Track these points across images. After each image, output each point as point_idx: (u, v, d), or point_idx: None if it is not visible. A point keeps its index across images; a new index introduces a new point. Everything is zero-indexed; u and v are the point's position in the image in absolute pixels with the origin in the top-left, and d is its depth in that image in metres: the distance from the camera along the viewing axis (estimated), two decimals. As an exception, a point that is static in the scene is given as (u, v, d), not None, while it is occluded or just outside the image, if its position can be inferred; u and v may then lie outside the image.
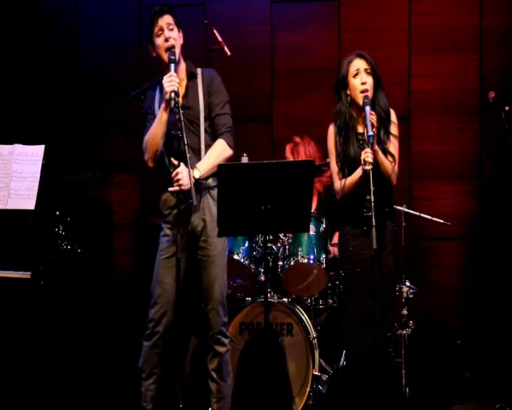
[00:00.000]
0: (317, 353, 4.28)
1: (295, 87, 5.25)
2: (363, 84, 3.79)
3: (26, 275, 3.73)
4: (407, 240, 4.62)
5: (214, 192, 3.75)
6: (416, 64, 5.12)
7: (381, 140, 3.82)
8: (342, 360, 4.15)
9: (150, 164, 3.77)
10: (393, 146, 3.87)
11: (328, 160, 4.43)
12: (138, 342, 3.84)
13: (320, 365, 4.31)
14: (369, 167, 3.62)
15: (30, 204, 3.90)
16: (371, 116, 3.69)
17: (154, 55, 3.77)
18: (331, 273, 4.39)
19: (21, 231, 3.85)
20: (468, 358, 4.70)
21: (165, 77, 3.62)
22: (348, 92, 3.85)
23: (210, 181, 3.76)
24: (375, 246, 3.50)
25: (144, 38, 5.28)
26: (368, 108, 3.71)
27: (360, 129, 3.87)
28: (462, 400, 4.39)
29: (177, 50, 3.72)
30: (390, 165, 3.81)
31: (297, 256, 4.36)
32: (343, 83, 3.86)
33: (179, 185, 3.59)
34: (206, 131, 3.77)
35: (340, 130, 3.87)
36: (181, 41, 3.78)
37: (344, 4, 5.20)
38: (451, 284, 5.10)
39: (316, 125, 5.01)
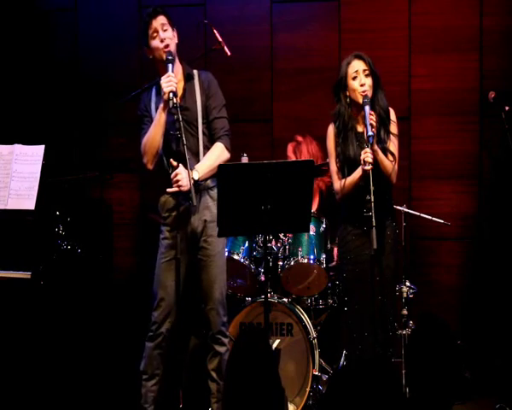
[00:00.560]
0: (317, 353, 4.28)
1: (295, 87, 5.25)
2: (361, 85, 3.79)
3: (26, 275, 3.73)
4: (407, 240, 4.62)
5: (213, 192, 3.76)
6: (416, 64, 5.12)
7: (381, 139, 3.83)
8: (342, 360, 4.15)
9: (150, 166, 3.76)
10: (393, 145, 3.87)
11: (328, 159, 4.44)
12: (138, 342, 3.84)
13: (320, 365, 4.31)
14: (368, 168, 3.63)
15: (30, 204, 3.90)
16: (371, 116, 3.69)
17: (151, 57, 3.76)
18: (331, 273, 4.38)
19: (21, 231, 3.84)
20: (468, 358, 4.70)
21: (162, 77, 3.61)
22: (348, 93, 3.85)
23: (209, 182, 3.76)
24: (375, 246, 3.51)
25: (144, 37, 5.32)
26: (367, 108, 3.71)
27: (360, 129, 3.87)
28: (463, 400, 4.40)
29: (173, 49, 3.72)
30: (390, 164, 3.81)
31: (297, 256, 4.36)
32: (342, 84, 3.86)
33: (178, 186, 3.59)
34: (204, 132, 3.76)
35: (339, 130, 3.88)
36: (176, 40, 3.77)
37: (344, 4, 5.19)
38: (451, 284, 5.10)
39: (316, 125, 5.01)
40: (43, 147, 4.02)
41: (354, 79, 3.82)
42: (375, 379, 2.11)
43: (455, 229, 4.93)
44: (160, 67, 3.73)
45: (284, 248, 4.45)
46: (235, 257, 4.38)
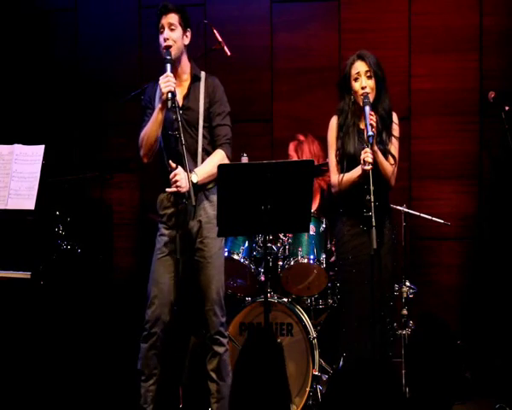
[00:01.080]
0: (316, 353, 4.28)
1: (295, 87, 5.25)
2: (362, 88, 3.79)
3: (26, 275, 3.73)
4: (407, 240, 4.62)
5: (209, 194, 3.75)
6: (416, 64, 5.12)
7: (382, 141, 3.82)
8: (342, 361, 4.15)
9: (145, 160, 3.78)
10: (394, 148, 3.87)
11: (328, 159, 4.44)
12: (138, 342, 3.84)
13: (320, 365, 4.31)
14: (368, 167, 3.63)
15: (30, 204, 3.90)
16: (371, 117, 3.69)
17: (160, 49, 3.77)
18: (331, 273, 4.38)
19: (21, 230, 3.84)
20: (468, 358, 4.70)
21: (161, 77, 3.61)
22: (351, 93, 3.85)
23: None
24: (375, 246, 3.50)
25: (144, 37, 5.33)
26: (367, 108, 3.71)
27: (362, 126, 3.87)
28: (463, 400, 4.40)
29: (175, 51, 3.70)
30: (390, 167, 3.81)
31: (297, 256, 4.36)
32: (345, 84, 3.86)
33: (177, 187, 3.59)
34: (204, 136, 3.76)
35: (341, 125, 3.88)
36: (185, 41, 3.76)
37: (344, 4, 5.19)
38: (451, 284, 5.10)
39: (316, 125, 5.01)
40: (43, 147, 4.02)
41: (356, 80, 3.82)
42: (375, 379, 2.11)
43: (455, 229, 4.93)
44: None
45: (284, 248, 4.45)
46: (235, 257, 4.38)
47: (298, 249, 4.37)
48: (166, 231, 3.77)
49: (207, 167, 3.71)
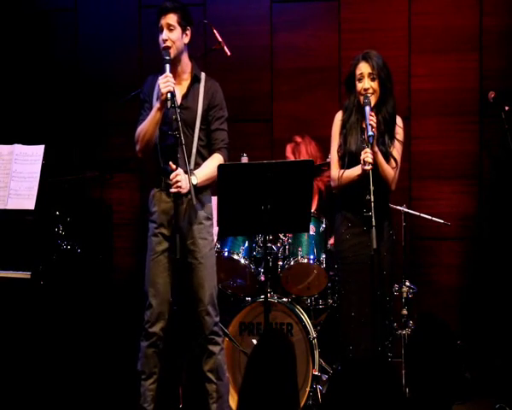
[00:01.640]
0: (316, 353, 4.27)
1: (295, 87, 5.25)
2: (365, 90, 3.79)
3: (26, 275, 3.73)
4: (407, 240, 4.62)
5: (201, 196, 3.75)
6: (416, 64, 5.12)
7: (384, 143, 3.81)
8: (342, 360, 4.15)
9: (140, 155, 3.79)
10: (396, 151, 3.86)
11: (328, 159, 4.44)
12: (138, 341, 3.84)
13: (320, 365, 4.31)
14: (368, 167, 3.62)
15: (30, 204, 3.91)
16: (370, 117, 3.69)
17: None
18: (331, 273, 4.38)
19: (21, 230, 3.85)
20: (468, 358, 4.70)
21: (160, 77, 3.61)
22: (355, 92, 3.85)
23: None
24: (374, 246, 3.50)
25: (144, 37, 5.33)
26: (367, 109, 3.71)
27: (364, 125, 3.87)
28: (463, 400, 4.40)
29: (174, 52, 3.69)
30: (391, 171, 3.79)
31: (297, 256, 4.36)
32: (351, 82, 3.87)
33: (177, 187, 3.59)
34: (199, 137, 3.76)
35: (345, 122, 3.88)
36: (185, 40, 3.75)
37: (344, 4, 5.19)
38: (451, 284, 5.10)
39: (316, 125, 5.01)
40: (43, 147, 4.02)
41: (359, 80, 3.82)
42: (375, 380, 2.11)
43: (455, 229, 4.93)
44: None
45: (284, 248, 4.45)
46: (235, 257, 4.38)
47: (298, 249, 4.37)
48: (157, 230, 3.77)
49: (206, 170, 3.72)
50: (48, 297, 3.77)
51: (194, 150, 3.72)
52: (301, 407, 4.25)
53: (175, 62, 3.72)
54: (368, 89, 3.78)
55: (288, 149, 4.76)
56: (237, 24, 5.24)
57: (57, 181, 4.30)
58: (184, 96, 3.76)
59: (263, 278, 4.27)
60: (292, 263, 4.36)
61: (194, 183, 3.60)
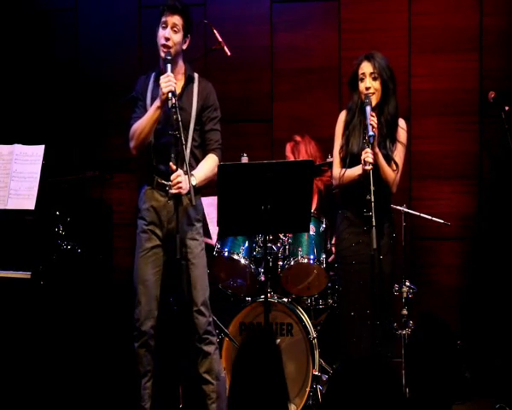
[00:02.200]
0: (316, 353, 4.28)
1: (295, 87, 5.25)
2: (367, 89, 3.79)
3: (26, 275, 3.73)
4: (407, 240, 4.62)
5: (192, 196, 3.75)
6: (415, 64, 5.12)
7: (386, 146, 3.81)
8: (342, 360, 4.15)
9: (134, 152, 3.80)
10: (398, 154, 3.85)
11: (328, 159, 4.45)
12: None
13: (320, 365, 4.31)
14: (369, 167, 3.62)
15: (30, 204, 3.90)
16: (371, 117, 3.68)
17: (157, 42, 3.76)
18: (331, 273, 4.38)
19: (21, 230, 3.84)
20: (468, 358, 4.69)
21: (161, 77, 3.61)
22: (358, 92, 3.86)
23: None
24: (375, 246, 3.50)
25: (144, 37, 5.33)
26: (368, 109, 3.70)
27: None
28: (463, 400, 4.40)
29: (173, 52, 3.69)
30: (391, 173, 3.79)
31: (297, 256, 4.36)
32: (354, 82, 3.87)
33: (179, 188, 3.59)
34: (193, 138, 3.76)
35: (348, 122, 3.88)
36: (183, 46, 3.75)
37: (344, 4, 5.19)
38: (451, 284, 5.10)
39: (316, 125, 5.02)
40: (43, 147, 4.02)
41: (361, 80, 3.82)
42: (375, 379, 2.11)
43: (455, 229, 4.92)
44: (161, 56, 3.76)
45: (284, 248, 4.45)
46: (235, 257, 4.38)
47: (298, 249, 4.37)
48: (147, 228, 3.79)
49: (204, 171, 3.73)
50: (48, 297, 3.77)
51: (187, 151, 3.72)
52: (301, 407, 4.25)
53: (172, 63, 3.71)
54: (369, 88, 3.78)
55: (288, 148, 4.76)
56: (237, 24, 5.24)
57: (57, 181, 4.30)
58: (179, 97, 3.75)
59: (263, 278, 4.27)
60: (292, 263, 4.36)
61: (194, 183, 3.60)
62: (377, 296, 3.72)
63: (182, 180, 3.59)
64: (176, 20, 3.69)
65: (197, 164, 3.76)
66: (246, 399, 2.28)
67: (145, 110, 3.76)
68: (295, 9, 5.26)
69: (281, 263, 4.44)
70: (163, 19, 3.69)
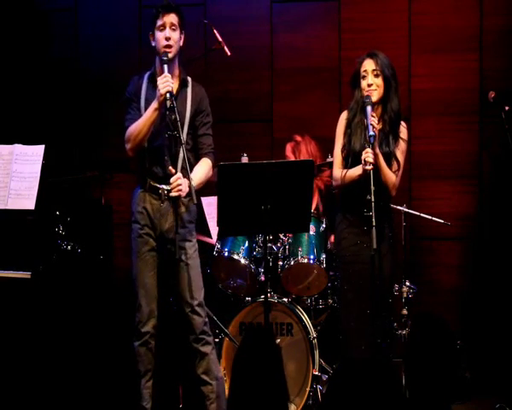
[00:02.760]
0: (316, 353, 4.27)
1: (295, 87, 5.25)
2: (369, 85, 3.79)
3: (26, 275, 3.73)
4: (407, 240, 4.62)
5: (185, 200, 3.75)
6: (415, 64, 5.12)
7: (389, 144, 3.80)
8: (342, 360, 4.15)
9: (131, 153, 3.79)
10: (401, 152, 3.84)
11: (328, 159, 4.45)
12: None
13: (320, 365, 4.31)
14: (369, 167, 3.62)
15: (30, 204, 3.90)
16: (372, 117, 3.68)
17: (153, 44, 3.77)
18: (331, 273, 4.38)
19: (21, 230, 3.84)
20: (468, 358, 4.69)
21: (159, 78, 3.62)
22: (360, 91, 3.85)
23: None
24: (375, 246, 3.50)
25: (144, 38, 5.29)
26: (369, 109, 3.70)
27: None
28: (463, 400, 4.40)
29: (174, 52, 3.71)
30: (392, 176, 3.77)
31: (297, 256, 4.36)
32: (356, 81, 3.87)
33: (179, 191, 3.59)
34: (186, 141, 3.75)
35: (349, 121, 3.87)
36: (181, 43, 3.77)
37: (344, 4, 5.19)
38: (451, 284, 5.10)
39: (316, 125, 5.02)
40: (43, 147, 4.02)
41: (363, 78, 3.82)
42: (375, 380, 2.11)
43: (455, 229, 4.92)
44: (157, 58, 3.76)
45: (284, 248, 4.45)
46: (235, 257, 4.38)
47: (298, 249, 4.37)
48: (142, 231, 3.80)
49: (199, 175, 3.73)
50: (48, 297, 3.77)
51: (181, 154, 3.72)
52: (301, 407, 4.25)
53: (168, 64, 3.72)
54: (371, 85, 3.78)
55: (288, 148, 4.76)
56: (237, 24, 5.24)
57: (57, 181, 4.30)
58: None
59: (263, 278, 4.27)
60: (292, 263, 4.36)
61: (194, 184, 3.61)
62: (377, 296, 3.72)
63: (182, 183, 3.59)
64: (172, 18, 3.70)
65: (189, 165, 3.75)
66: (246, 399, 2.28)
67: (139, 111, 3.75)
68: (295, 9, 5.26)
69: (281, 263, 4.44)
70: (159, 21, 3.70)
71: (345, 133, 3.88)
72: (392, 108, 3.82)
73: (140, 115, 3.73)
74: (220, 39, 4.47)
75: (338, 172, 3.87)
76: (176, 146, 3.65)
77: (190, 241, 3.82)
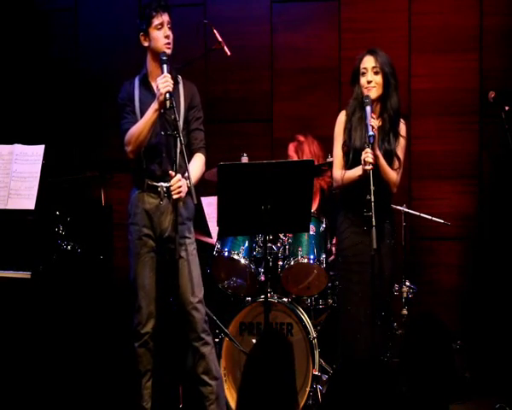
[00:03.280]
0: (316, 353, 4.27)
1: (295, 87, 5.26)
2: (368, 82, 3.79)
3: (26, 275, 3.73)
4: (407, 240, 4.62)
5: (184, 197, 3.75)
6: (415, 64, 5.12)
7: (390, 142, 3.80)
8: (342, 360, 4.15)
9: (132, 156, 3.79)
10: (401, 150, 3.84)
11: (328, 159, 4.44)
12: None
13: (320, 365, 4.31)
14: (369, 167, 3.62)
15: (30, 204, 3.90)
16: (371, 117, 3.68)
17: (146, 44, 3.76)
18: (331, 273, 4.38)
19: (21, 230, 3.84)
20: (468, 358, 4.69)
21: (158, 78, 3.61)
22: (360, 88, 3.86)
23: None
24: (375, 246, 3.50)
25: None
26: (368, 109, 3.70)
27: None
28: (463, 400, 4.40)
29: (171, 51, 3.73)
30: (393, 174, 3.77)
31: (297, 256, 4.36)
32: (356, 77, 3.87)
33: (179, 193, 3.59)
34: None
35: (349, 118, 3.87)
36: None
37: (344, 4, 5.20)
38: (451, 284, 5.10)
39: (316, 125, 5.02)
40: (43, 147, 4.02)
41: (363, 74, 3.82)
42: (375, 380, 2.11)
43: (455, 229, 4.93)
44: (151, 58, 3.77)
45: (284, 248, 4.45)
46: (235, 257, 4.38)
47: (298, 249, 4.37)
48: (140, 233, 3.79)
49: (194, 171, 3.73)
50: (48, 297, 3.77)
51: (178, 153, 3.72)
52: (301, 407, 4.25)
53: (167, 63, 3.72)
54: (370, 82, 3.78)
55: (291, 147, 4.76)
56: (237, 24, 5.24)
57: (57, 181, 4.30)
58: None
59: (263, 278, 4.27)
60: (292, 263, 4.36)
61: (192, 183, 3.61)
62: (377, 296, 3.72)
63: (182, 184, 3.59)
64: (168, 17, 3.74)
65: (185, 164, 3.76)
66: (256, 399, 2.28)
67: (134, 115, 3.76)
68: (295, 9, 5.26)
69: (281, 263, 4.44)
70: (157, 20, 3.70)
71: (344, 130, 3.88)
72: (391, 106, 3.82)
73: (136, 118, 3.73)
74: (220, 39, 4.47)
75: (338, 172, 3.87)
76: (175, 146, 3.65)
77: (189, 238, 3.83)
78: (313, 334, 4.29)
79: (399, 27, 5.13)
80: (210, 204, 4.62)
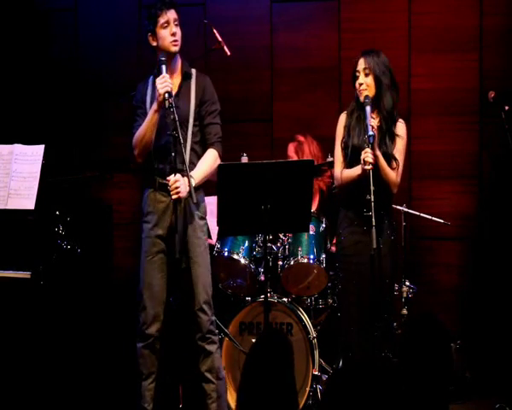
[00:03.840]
0: (316, 353, 4.27)
1: (295, 87, 5.26)
2: (360, 85, 3.80)
3: (26, 275, 3.73)
4: (407, 240, 4.62)
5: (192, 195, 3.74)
6: (415, 64, 5.12)
7: (386, 144, 3.80)
8: (341, 362, 4.15)
9: (139, 160, 3.79)
10: (398, 150, 3.84)
11: (328, 159, 4.45)
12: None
13: (320, 365, 4.31)
14: (368, 167, 3.62)
15: (30, 204, 3.90)
16: (371, 117, 3.68)
17: (154, 44, 3.73)
18: (331, 273, 4.38)
19: (21, 230, 3.84)
20: (468, 358, 4.70)
21: (157, 79, 3.61)
22: None
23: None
24: (374, 246, 3.51)
25: (144, 38, 5.32)
26: (368, 109, 3.70)
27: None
28: (462, 400, 4.40)
29: (179, 46, 3.72)
30: (393, 175, 3.77)
31: (297, 256, 4.36)
32: (354, 80, 3.87)
33: (177, 193, 3.59)
34: (193, 133, 3.75)
35: (348, 117, 3.88)
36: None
37: (344, 4, 5.20)
38: (451, 284, 5.10)
39: (316, 125, 5.02)
40: (42, 147, 4.02)
41: (357, 77, 3.83)
42: (374, 380, 2.11)
43: (455, 229, 4.93)
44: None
45: (284, 248, 4.45)
46: (235, 257, 4.38)
47: (298, 249, 4.37)
48: (152, 232, 3.77)
49: (203, 168, 3.71)
50: (48, 297, 3.77)
51: (188, 148, 3.72)
52: (301, 407, 4.25)
53: (170, 60, 3.71)
54: (362, 84, 3.79)
55: (291, 148, 4.76)
56: (237, 24, 5.24)
57: (57, 181, 4.30)
58: (176, 95, 3.73)
59: (263, 278, 4.27)
60: (292, 263, 4.36)
61: (193, 184, 3.60)
62: (377, 296, 3.72)
63: (180, 185, 3.57)
64: (174, 14, 3.71)
65: (198, 160, 3.75)
66: (256, 398, 2.28)
67: (145, 117, 3.75)
68: (295, 9, 5.26)
69: (281, 263, 4.44)
70: (163, 19, 3.68)
71: (344, 127, 3.89)
72: (384, 106, 3.81)
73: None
74: (220, 39, 4.48)
75: (338, 171, 3.88)
76: (175, 145, 3.64)
77: (200, 238, 3.79)
78: (313, 334, 4.29)
79: (399, 27, 5.13)
80: (210, 204, 4.62)
